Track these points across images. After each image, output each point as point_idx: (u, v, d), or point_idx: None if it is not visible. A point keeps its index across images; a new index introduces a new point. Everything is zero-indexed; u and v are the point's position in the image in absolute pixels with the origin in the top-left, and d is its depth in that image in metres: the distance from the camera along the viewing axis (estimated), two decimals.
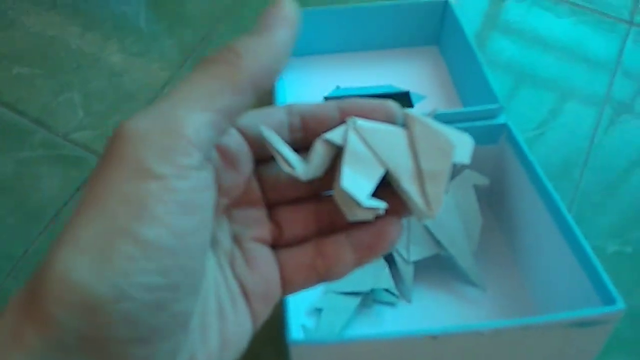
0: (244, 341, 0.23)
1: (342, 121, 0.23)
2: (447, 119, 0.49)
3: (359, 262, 0.23)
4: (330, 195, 0.24)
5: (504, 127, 0.49)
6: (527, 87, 0.69)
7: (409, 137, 0.23)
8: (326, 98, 0.60)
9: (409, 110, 0.24)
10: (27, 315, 0.17)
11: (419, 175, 0.22)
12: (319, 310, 0.46)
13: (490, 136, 0.50)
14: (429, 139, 0.23)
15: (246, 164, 0.23)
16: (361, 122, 0.23)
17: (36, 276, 0.18)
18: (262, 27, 0.21)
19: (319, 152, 0.22)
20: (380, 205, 0.22)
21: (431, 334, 0.32)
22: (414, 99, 0.61)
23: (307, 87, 0.62)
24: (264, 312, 0.24)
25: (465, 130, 0.48)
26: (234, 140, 0.22)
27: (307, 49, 0.65)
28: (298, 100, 0.60)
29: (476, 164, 0.50)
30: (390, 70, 0.65)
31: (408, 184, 0.22)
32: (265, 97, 0.63)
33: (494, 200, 0.53)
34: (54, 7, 0.77)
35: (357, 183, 0.22)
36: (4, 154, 0.61)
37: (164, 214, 0.17)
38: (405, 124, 0.24)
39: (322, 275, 0.24)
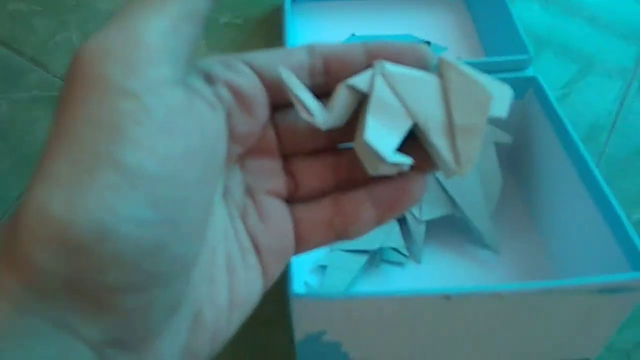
0: (254, 300, 0.21)
1: (368, 65, 0.21)
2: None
3: (380, 219, 0.22)
4: (351, 148, 0.23)
5: (532, 80, 0.45)
6: (553, 52, 0.64)
7: (442, 86, 0.21)
8: None
9: (444, 56, 0.21)
10: (4, 257, 0.15)
11: (451, 128, 0.20)
12: (323, 268, 0.43)
13: (517, 90, 0.46)
14: (464, 88, 0.21)
15: (262, 108, 0.21)
16: (390, 67, 0.21)
17: (13, 216, 0.16)
18: None
19: (342, 99, 0.20)
20: (406, 161, 0.20)
21: (445, 294, 0.29)
22: (435, 50, 0.56)
23: (321, 33, 0.58)
24: (276, 270, 0.22)
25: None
26: (249, 82, 0.20)
27: None
28: None
29: (499, 120, 0.47)
30: (411, 19, 0.60)
31: (438, 138, 0.20)
32: (276, 42, 0.60)
33: (516, 160, 0.49)
34: None
35: (382, 136, 0.20)
36: None
37: (143, 136, 0.16)
38: (439, 71, 0.22)
39: (339, 232, 0.22)
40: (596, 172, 0.37)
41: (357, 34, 0.58)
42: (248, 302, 0.21)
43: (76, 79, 0.16)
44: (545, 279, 0.43)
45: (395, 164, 0.20)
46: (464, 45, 0.58)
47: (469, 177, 0.45)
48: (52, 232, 0.15)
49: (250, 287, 0.21)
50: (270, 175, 0.22)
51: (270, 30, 0.63)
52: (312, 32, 0.58)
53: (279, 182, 0.22)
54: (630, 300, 0.32)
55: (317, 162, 0.23)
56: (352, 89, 0.21)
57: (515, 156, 0.49)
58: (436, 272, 0.44)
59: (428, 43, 0.57)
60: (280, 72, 0.20)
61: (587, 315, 0.32)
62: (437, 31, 0.59)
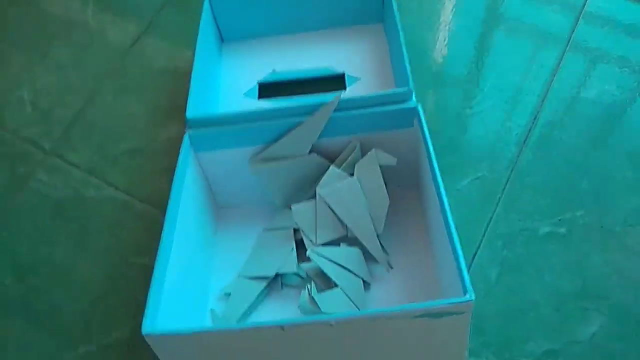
0: None
1: None
2: (355, 105, 0.49)
3: None
4: None
5: (413, 110, 0.48)
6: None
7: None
8: (260, 83, 0.61)
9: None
10: None
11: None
12: (228, 295, 0.48)
13: (404, 120, 0.49)
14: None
15: None
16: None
17: None
18: None
19: None
20: None
21: (279, 325, 0.33)
22: (348, 81, 0.60)
23: (243, 71, 0.63)
24: None
25: (377, 115, 0.49)
26: None
27: (243, 32, 0.65)
28: (233, 85, 0.61)
29: (393, 147, 0.50)
30: (332, 51, 0.64)
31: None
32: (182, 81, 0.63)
33: (412, 182, 0.53)
34: None
35: None
36: None
37: None
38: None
39: None
40: (445, 202, 0.40)
41: (279, 69, 0.62)
42: None
43: None
44: (434, 295, 0.46)
45: None
46: (381, 74, 0.61)
47: (357, 199, 0.48)
48: None
49: None
50: None
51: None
52: (236, 70, 0.63)
53: None
54: (460, 322, 0.35)
55: None
56: None
57: (411, 178, 0.53)
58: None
59: (342, 75, 0.60)
60: None
61: (425, 339, 0.36)
62: (358, 60, 0.63)
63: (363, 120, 0.50)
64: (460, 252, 0.37)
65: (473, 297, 0.34)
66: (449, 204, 0.41)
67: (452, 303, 0.33)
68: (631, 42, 0.67)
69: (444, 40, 0.70)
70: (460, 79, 0.66)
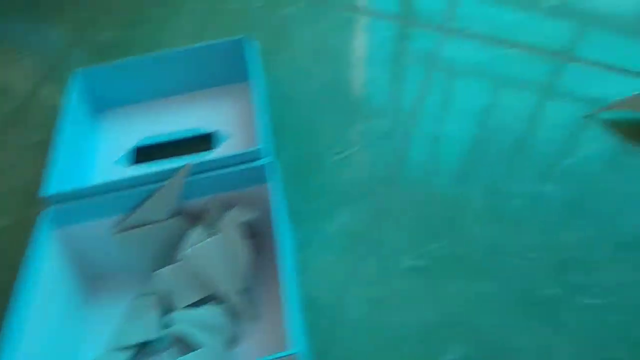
0: None
1: None
2: (212, 166, 0.51)
3: None
4: None
5: (266, 167, 0.51)
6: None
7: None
8: (133, 149, 0.62)
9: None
10: None
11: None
12: None
13: (259, 176, 0.52)
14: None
15: None
16: None
17: None
18: None
19: None
20: None
21: None
22: (218, 139, 0.63)
23: (118, 139, 0.64)
24: None
25: (233, 174, 0.51)
26: None
27: (117, 101, 0.67)
28: (108, 154, 0.62)
29: (255, 201, 0.53)
30: (204, 111, 0.67)
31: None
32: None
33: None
34: None
35: None
36: None
37: None
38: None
39: None
40: (287, 254, 0.42)
41: (153, 133, 0.64)
42: None
43: None
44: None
45: None
46: (249, 132, 0.64)
47: (218, 257, 0.50)
48: None
49: None
50: None
51: None
52: (110, 138, 0.64)
53: None
54: None
55: None
56: None
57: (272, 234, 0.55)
58: None
59: (211, 134, 0.63)
60: None
61: None
62: (228, 119, 0.66)
63: (221, 180, 0.52)
64: (293, 304, 0.39)
65: (297, 351, 0.35)
66: (292, 252, 0.43)
67: (277, 357, 0.35)
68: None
69: (314, 88, 0.73)
70: (327, 126, 0.69)
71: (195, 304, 0.50)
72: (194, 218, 0.53)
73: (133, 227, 0.51)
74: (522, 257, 0.56)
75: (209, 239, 0.51)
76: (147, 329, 0.49)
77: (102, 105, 0.67)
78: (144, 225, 0.51)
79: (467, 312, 0.53)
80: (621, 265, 0.55)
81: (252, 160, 0.52)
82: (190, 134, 0.63)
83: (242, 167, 0.51)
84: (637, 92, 0.65)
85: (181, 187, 0.51)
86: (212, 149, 0.62)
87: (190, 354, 0.46)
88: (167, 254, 0.52)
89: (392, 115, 0.69)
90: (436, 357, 0.51)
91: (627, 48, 0.75)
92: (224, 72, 0.67)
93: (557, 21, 0.79)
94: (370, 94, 0.72)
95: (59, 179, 0.52)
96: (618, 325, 0.52)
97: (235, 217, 0.51)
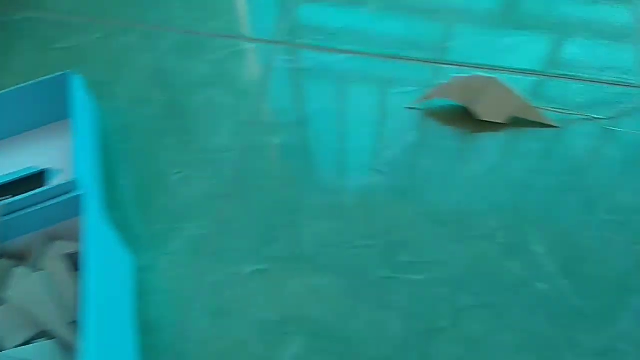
0: None
1: None
2: (28, 203, 0.51)
3: None
4: None
5: (79, 199, 0.52)
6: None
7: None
8: None
9: None
10: None
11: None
12: None
13: (76, 208, 0.52)
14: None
15: None
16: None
17: None
18: None
19: None
20: None
21: None
22: (51, 175, 0.62)
23: None
24: None
25: (50, 208, 0.51)
26: None
27: None
28: None
29: (73, 236, 0.53)
30: (35, 150, 0.66)
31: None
32: None
33: None
34: None
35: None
36: None
37: None
38: None
39: None
40: (89, 278, 0.43)
41: None
42: None
43: None
44: None
45: None
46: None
47: (44, 292, 0.50)
48: None
49: None
50: None
51: None
52: None
53: None
54: None
55: None
56: None
57: None
58: None
59: (43, 171, 0.62)
60: None
61: None
62: (58, 157, 0.65)
63: (40, 216, 0.52)
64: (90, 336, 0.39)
65: None
66: (129, 277, 0.43)
67: None
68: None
69: (154, 112, 0.75)
70: (166, 148, 0.70)
71: (28, 342, 0.49)
72: (19, 258, 0.52)
73: None
74: (354, 247, 0.60)
75: (34, 276, 0.50)
76: None
77: None
78: None
79: (305, 306, 0.56)
80: (439, 241, 0.60)
81: (67, 193, 0.52)
82: (20, 175, 0.62)
83: (58, 200, 0.51)
84: (448, 80, 0.71)
85: None
86: (44, 186, 0.61)
87: None
88: None
89: (229, 130, 0.71)
90: (277, 353, 0.53)
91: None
92: (52, 109, 0.67)
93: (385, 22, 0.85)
94: (207, 112, 0.74)
95: None
96: (440, 296, 0.56)
97: (58, 251, 0.51)
